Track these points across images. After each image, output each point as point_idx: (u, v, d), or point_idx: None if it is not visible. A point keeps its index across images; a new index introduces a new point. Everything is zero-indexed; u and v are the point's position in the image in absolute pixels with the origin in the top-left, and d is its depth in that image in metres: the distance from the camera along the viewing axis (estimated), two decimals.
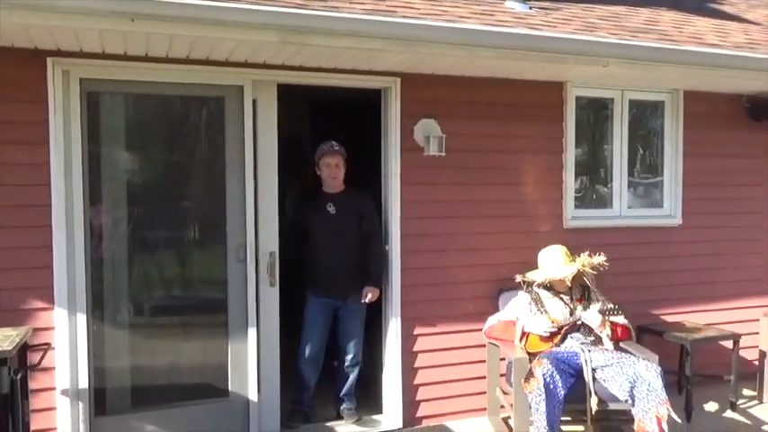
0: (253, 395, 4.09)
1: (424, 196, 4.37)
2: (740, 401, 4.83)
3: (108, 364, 3.87)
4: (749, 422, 4.58)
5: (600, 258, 4.03)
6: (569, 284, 4.14)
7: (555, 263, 4.10)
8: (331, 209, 4.26)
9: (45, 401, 3.67)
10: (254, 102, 4.02)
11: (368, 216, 4.30)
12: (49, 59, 3.59)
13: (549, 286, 4.16)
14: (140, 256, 3.97)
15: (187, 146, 4.06)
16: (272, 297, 4.13)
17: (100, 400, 3.85)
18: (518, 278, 4.15)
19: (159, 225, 4.03)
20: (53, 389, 3.70)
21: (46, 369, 3.60)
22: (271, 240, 4.10)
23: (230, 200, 4.00)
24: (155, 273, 4.04)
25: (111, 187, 3.85)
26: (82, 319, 3.74)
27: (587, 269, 4.03)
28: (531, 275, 4.11)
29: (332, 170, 4.25)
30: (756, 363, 5.00)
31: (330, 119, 5.51)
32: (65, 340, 3.70)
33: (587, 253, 4.07)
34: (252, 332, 4.04)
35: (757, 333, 5.00)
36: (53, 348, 3.64)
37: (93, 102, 3.76)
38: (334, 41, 3.45)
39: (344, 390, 4.39)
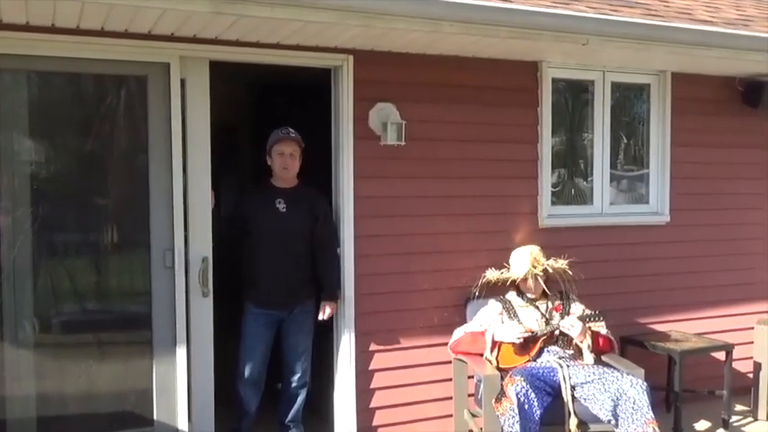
0: (182, 424, 4.00)
1: (381, 192, 4.34)
2: (733, 419, 4.88)
3: (8, 392, 3.74)
4: None
5: (562, 263, 4.19)
6: (541, 291, 4.19)
7: (519, 262, 4.23)
8: (281, 206, 4.17)
9: None
10: (183, 82, 3.94)
11: (324, 219, 4.23)
12: None
13: (521, 293, 4.24)
14: (47, 262, 3.85)
15: (103, 133, 3.94)
16: (204, 309, 4.05)
17: None
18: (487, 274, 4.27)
19: (70, 226, 3.93)
20: None
21: None
22: (203, 244, 4.01)
23: (155, 197, 3.91)
24: (65, 283, 3.93)
25: (12, 182, 3.72)
26: None
27: (539, 270, 4.13)
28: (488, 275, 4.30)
29: (285, 159, 4.16)
30: (750, 375, 5.07)
31: (277, 105, 5.44)
32: None
33: (541, 253, 4.25)
34: (181, 351, 3.96)
35: (751, 343, 5.06)
36: None
37: None
38: (275, 12, 3.36)
39: (290, 415, 4.33)
